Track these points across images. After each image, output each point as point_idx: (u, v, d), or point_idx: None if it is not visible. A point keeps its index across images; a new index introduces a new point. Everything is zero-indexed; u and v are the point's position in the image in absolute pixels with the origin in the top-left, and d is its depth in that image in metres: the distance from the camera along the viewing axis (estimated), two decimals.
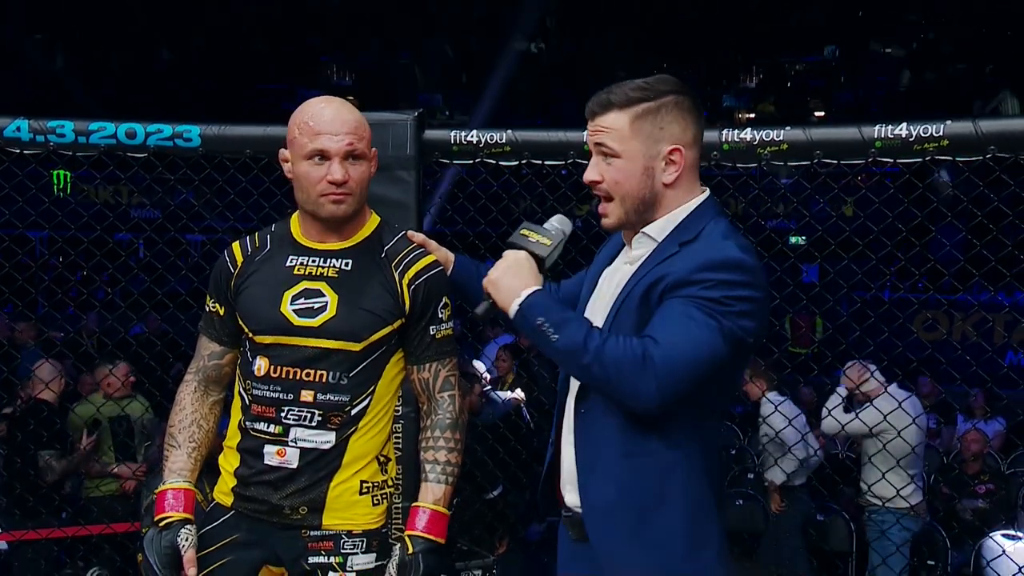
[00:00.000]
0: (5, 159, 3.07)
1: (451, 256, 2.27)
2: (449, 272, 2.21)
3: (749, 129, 2.69)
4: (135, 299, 3.56)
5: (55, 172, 7.79)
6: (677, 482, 1.80)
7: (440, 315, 2.13)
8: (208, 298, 2.17)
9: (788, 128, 2.65)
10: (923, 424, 5.22)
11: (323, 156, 2.01)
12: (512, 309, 1.83)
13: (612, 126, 1.85)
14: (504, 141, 2.86)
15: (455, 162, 2.96)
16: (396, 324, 2.08)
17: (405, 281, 2.09)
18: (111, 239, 3.64)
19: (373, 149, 2.09)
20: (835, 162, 2.63)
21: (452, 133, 2.88)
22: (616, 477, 1.82)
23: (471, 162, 2.93)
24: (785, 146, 2.64)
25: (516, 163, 2.89)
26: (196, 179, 3.13)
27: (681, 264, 1.78)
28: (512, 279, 1.86)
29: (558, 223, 1.96)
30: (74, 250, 3.68)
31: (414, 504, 2.10)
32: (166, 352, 4.46)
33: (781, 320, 9.17)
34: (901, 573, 4.82)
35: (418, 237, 2.19)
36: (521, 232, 1.92)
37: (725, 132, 2.69)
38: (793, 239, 8.71)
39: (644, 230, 1.88)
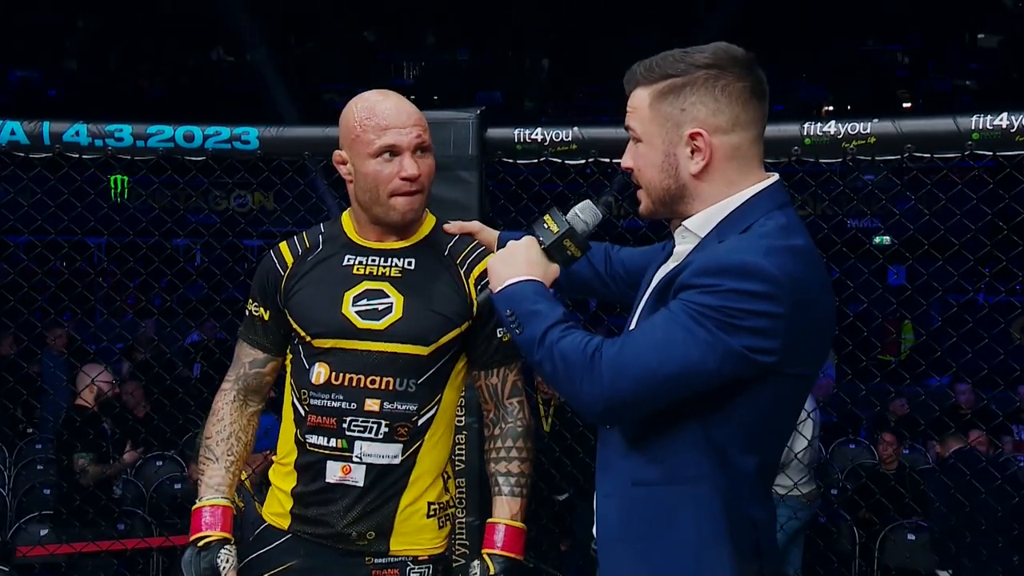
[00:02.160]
0: (64, 164, 3.16)
1: (493, 236, 2.18)
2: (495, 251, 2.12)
3: (833, 122, 2.63)
4: (193, 306, 3.65)
5: (112, 177, 8.03)
6: (682, 522, 1.63)
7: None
8: (250, 301, 2.13)
9: (876, 120, 2.59)
10: (817, 418, 5.43)
11: (393, 152, 1.95)
12: (493, 297, 1.76)
13: (635, 105, 1.69)
14: (570, 139, 2.85)
15: (519, 162, 2.96)
16: (464, 326, 2.05)
17: (471, 281, 2.06)
18: (169, 244, 3.74)
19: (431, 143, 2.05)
20: (928, 156, 2.56)
21: (516, 131, 2.88)
22: (621, 505, 1.70)
23: (535, 161, 2.93)
24: (873, 139, 2.58)
25: (583, 161, 2.88)
26: (254, 182, 3.19)
27: (693, 265, 1.61)
28: (502, 266, 1.77)
29: (579, 211, 1.86)
30: (132, 256, 3.78)
31: (490, 520, 2.07)
32: (224, 360, 4.56)
33: (869, 325, 8.96)
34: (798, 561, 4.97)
35: (455, 227, 2.13)
36: (543, 218, 1.86)
37: (807, 125, 2.64)
38: (878, 239, 8.53)
39: (685, 224, 1.71)
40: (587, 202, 1.87)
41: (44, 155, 3.07)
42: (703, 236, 1.67)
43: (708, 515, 1.62)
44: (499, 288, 1.74)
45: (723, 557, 1.62)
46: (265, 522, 2.11)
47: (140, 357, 6.61)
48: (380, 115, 1.97)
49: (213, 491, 2.08)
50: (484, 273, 2.03)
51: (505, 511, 2.05)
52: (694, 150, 1.64)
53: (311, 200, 3.17)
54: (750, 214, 1.64)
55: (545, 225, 1.83)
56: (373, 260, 2.04)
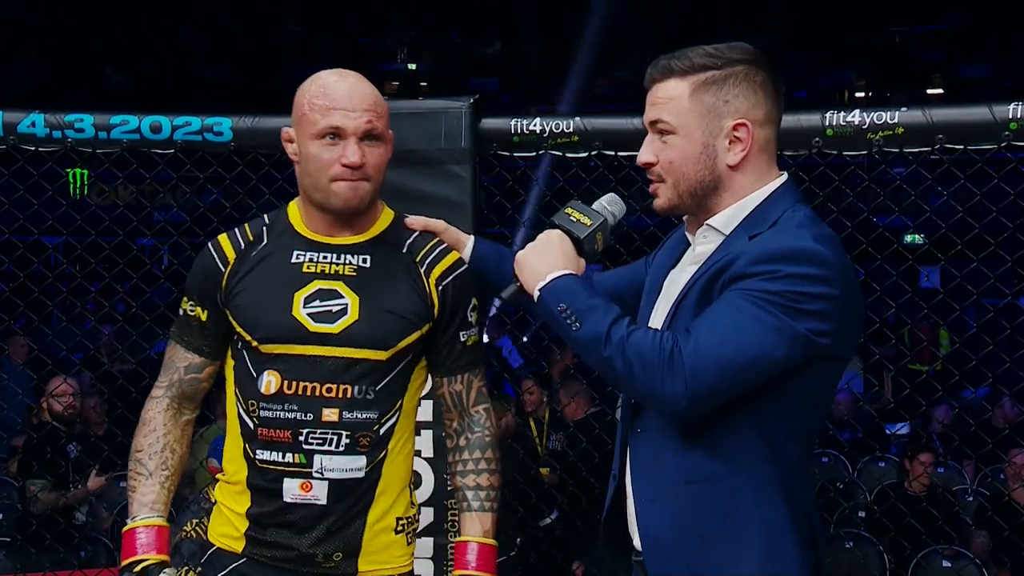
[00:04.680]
0: (19, 157, 3.16)
1: (465, 239, 2.24)
2: (468, 255, 2.20)
3: (857, 111, 2.65)
4: (160, 312, 3.65)
5: (71, 171, 8.03)
6: (746, 513, 1.75)
7: (469, 319, 2.11)
8: (185, 300, 2.10)
9: (904, 109, 2.60)
10: None
11: (337, 135, 1.96)
12: (535, 293, 1.82)
13: (671, 96, 1.82)
14: (571, 130, 2.86)
15: (516, 154, 2.97)
16: (425, 329, 2.05)
17: (432, 280, 2.07)
18: (134, 245, 3.74)
19: (390, 132, 2.05)
20: (961, 147, 2.58)
21: (512, 121, 2.89)
22: (673, 506, 1.79)
23: (533, 154, 2.94)
24: (901, 130, 2.60)
25: (585, 155, 2.89)
26: (228, 177, 3.19)
27: (746, 255, 1.74)
28: (539, 260, 1.84)
29: (607, 203, 1.96)
30: (93, 257, 3.78)
31: (459, 539, 2.09)
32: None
33: (898, 333, 8.98)
34: None
35: (418, 223, 2.15)
36: (565, 211, 1.93)
37: (829, 115, 2.65)
38: (907, 238, 8.53)
39: (709, 222, 1.85)
40: (613, 194, 1.97)
41: None
42: (728, 233, 1.81)
43: (770, 504, 1.75)
44: (544, 283, 1.81)
45: (787, 546, 1.76)
46: (213, 545, 2.09)
47: (103, 368, 6.61)
48: (330, 95, 1.96)
49: (148, 509, 2.05)
50: (447, 272, 2.08)
51: (476, 528, 2.07)
52: (733, 141, 1.80)
53: (290, 197, 3.16)
54: (775, 208, 1.80)
55: (573, 218, 1.91)
56: (325, 257, 2.03)
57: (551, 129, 2.86)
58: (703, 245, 1.85)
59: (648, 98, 1.86)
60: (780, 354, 1.68)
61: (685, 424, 1.76)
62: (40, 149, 3.08)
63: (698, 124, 1.80)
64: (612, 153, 2.87)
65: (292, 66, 16.54)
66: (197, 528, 4.13)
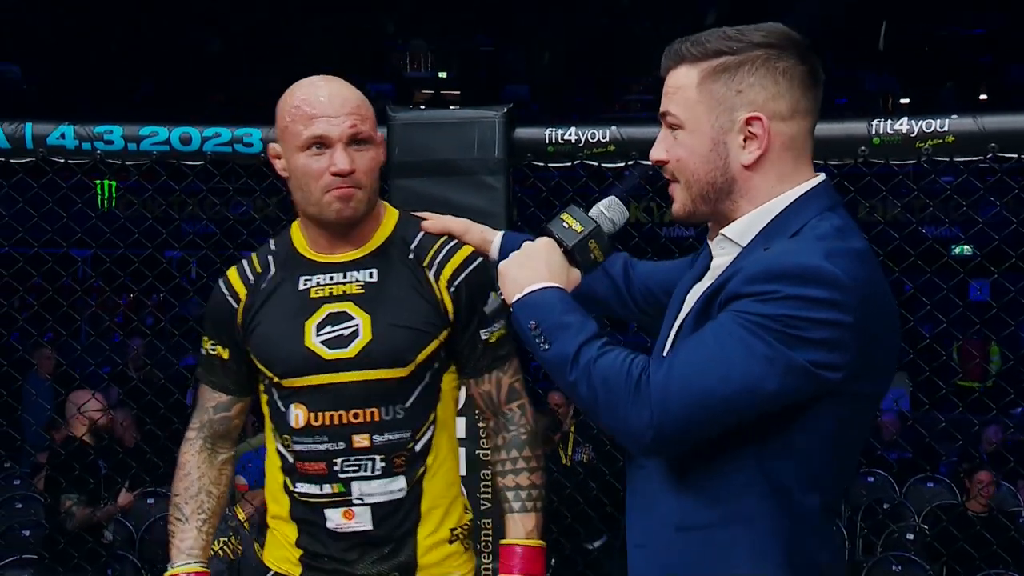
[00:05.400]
0: (48, 169, 3.20)
1: (491, 236, 2.13)
2: (495, 255, 2.08)
3: (905, 119, 2.62)
4: (189, 326, 3.68)
5: (100, 183, 8.12)
6: (737, 572, 1.57)
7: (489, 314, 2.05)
8: (205, 340, 2.10)
9: (955, 117, 2.58)
10: None
11: (322, 144, 1.92)
12: (512, 306, 1.69)
13: (679, 85, 1.62)
14: (607, 139, 2.86)
15: (550, 165, 2.97)
16: (442, 336, 2.02)
17: (443, 283, 2.02)
18: (162, 257, 3.77)
19: (379, 133, 2.02)
20: (1014, 156, 2.54)
21: (547, 131, 2.89)
22: (661, 555, 1.63)
23: (569, 164, 2.94)
24: (951, 139, 2.57)
25: (622, 164, 2.88)
26: (257, 189, 3.22)
27: (744, 272, 1.54)
28: (519, 270, 1.69)
29: (605, 208, 1.81)
30: (122, 270, 3.81)
31: (504, 542, 2.05)
32: None
33: (948, 348, 8.87)
34: None
35: (436, 225, 2.08)
36: (560, 216, 1.79)
37: (876, 123, 2.63)
38: (957, 249, 8.43)
39: (723, 231, 1.64)
40: (613, 198, 1.83)
41: (26, 160, 3.11)
42: (744, 245, 1.62)
43: (771, 563, 1.56)
44: (519, 296, 1.66)
45: None
46: (270, 569, 2.10)
47: (131, 383, 6.68)
48: (310, 103, 1.93)
49: (185, 556, 2.08)
50: (456, 272, 2.02)
51: (519, 530, 2.04)
52: (748, 137, 1.59)
53: None
54: (799, 216, 1.59)
55: (565, 224, 1.76)
56: (331, 278, 2.01)
57: (586, 139, 2.86)
58: (719, 258, 1.67)
59: (663, 88, 1.67)
60: (771, 387, 1.48)
61: (682, 462, 1.60)
62: (69, 161, 3.12)
63: (706, 117, 1.60)
64: (648, 163, 2.85)
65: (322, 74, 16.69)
66: (225, 547, 4.16)
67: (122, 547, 5.69)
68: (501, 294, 1.74)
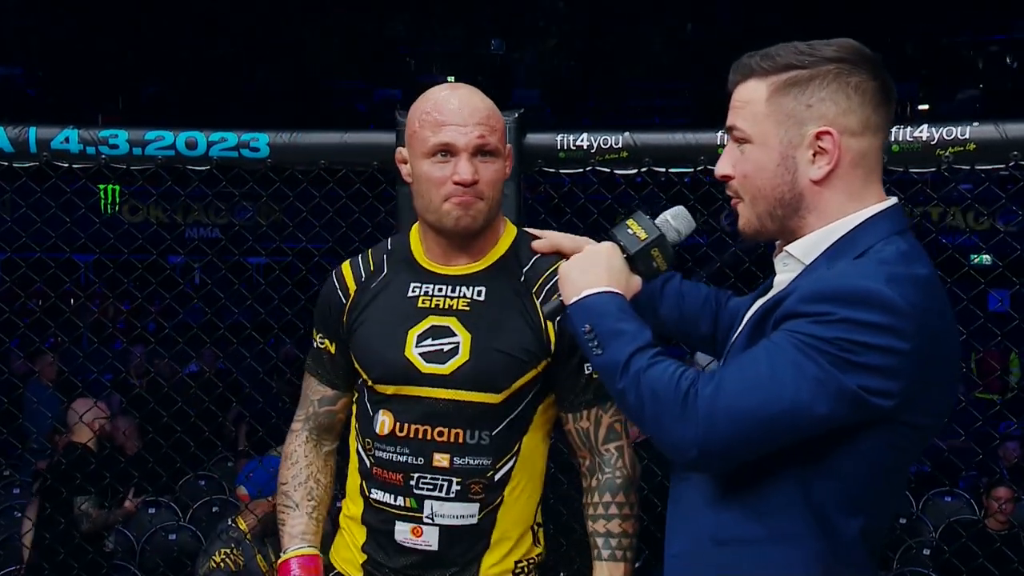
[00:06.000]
0: (52, 174, 3.20)
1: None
2: None
3: (925, 126, 2.61)
4: (193, 333, 3.68)
5: (104, 187, 8.15)
6: None
7: None
8: (315, 332, 2.14)
9: (976, 124, 2.56)
10: None
11: (448, 152, 1.94)
12: (568, 308, 1.72)
13: (747, 99, 1.65)
14: (620, 145, 2.85)
15: (562, 171, 2.97)
16: (541, 366, 2.01)
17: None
18: (166, 263, 3.77)
19: (508, 146, 2.03)
20: None
21: (559, 136, 2.89)
22: (696, 566, 1.65)
23: (581, 171, 2.93)
24: (972, 146, 2.55)
25: (635, 171, 2.87)
26: (264, 194, 3.22)
27: (800, 290, 1.56)
28: (580, 273, 1.73)
29: (671, 217, 1.84)
30: (125, 276, 3.81)
31: None
32: (228, 395, 4.60)
33: (967, 360, 8.83)
34: None
35: (546, 244, 2.07)
36: (626, 221, 1.83)
37: (895, 130, 2.62)
38: (976, 258, 8.41)
39: (788, 248, 1.66)
40: (680, 208, 1.85)
41: (30, 164, 3.12)
42: (808, 263, 1.63)
43: None
44: (576, 298, 1.70)
45: None
46: (334, 568, 2.13)
47: (134, 391, 6.69)
48: (440, 110, 1.95)
49: (299, 540, 2.11)
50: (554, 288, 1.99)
51: None
52: (817, 152, 1.61)
53: (327, 215, 3.19)
54: (867, 237, 1.60)
55: (630, 230, 1.80)
56: (440, 290, 2.02)
57: (599, 144, 2.85)
58: (782, 274, 1.69)
59: (731, 102, 1.70)
60: (821, 411, 1.50)
61: (724, 477, 1.62)
62: (73, 166, 3.13)
63: (775, 131, 1.62)
64: (663, 170, 2.85)
65: (329, 78, 16.76)
66: (227, 559, 4.15)
67: (123, 557, 5.69)
68: (559, 295, 1.77)
